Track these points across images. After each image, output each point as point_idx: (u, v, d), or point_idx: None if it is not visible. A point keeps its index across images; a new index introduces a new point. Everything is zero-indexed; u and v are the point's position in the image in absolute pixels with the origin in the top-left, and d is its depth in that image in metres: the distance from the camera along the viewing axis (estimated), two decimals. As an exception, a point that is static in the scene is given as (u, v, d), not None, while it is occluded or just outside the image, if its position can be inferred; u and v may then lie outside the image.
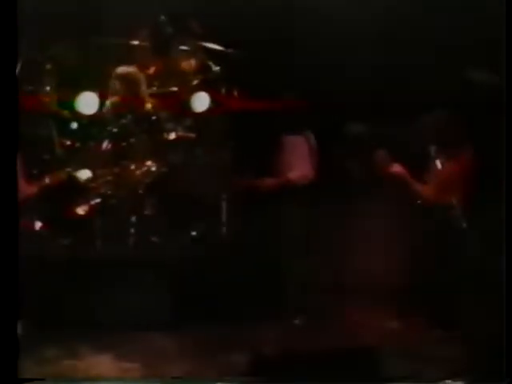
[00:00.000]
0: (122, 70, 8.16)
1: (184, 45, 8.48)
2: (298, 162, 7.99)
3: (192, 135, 8.45)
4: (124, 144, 8.16)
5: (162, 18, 8.36)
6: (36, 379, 5.86)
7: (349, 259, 8.49)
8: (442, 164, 7.17)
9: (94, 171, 8.05)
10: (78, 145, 8.22)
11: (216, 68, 8.39)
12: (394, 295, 7.97)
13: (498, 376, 5.90)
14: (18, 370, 5.59)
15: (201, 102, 8.35)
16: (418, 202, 7.40)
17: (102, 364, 6.96)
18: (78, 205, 7.99)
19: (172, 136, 8.35)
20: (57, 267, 7.73)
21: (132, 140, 8.18)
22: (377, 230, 8.24)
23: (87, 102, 8.09)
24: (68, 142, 8.23)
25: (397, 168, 7.39)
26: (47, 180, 7.38)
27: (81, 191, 8.02)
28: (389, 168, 7.43)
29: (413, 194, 7.41)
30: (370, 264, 8.27)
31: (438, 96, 7.83)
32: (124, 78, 8.16)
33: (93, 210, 7.99)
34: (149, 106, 8.31)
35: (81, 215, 8.01)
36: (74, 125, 8.23)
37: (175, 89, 8.49)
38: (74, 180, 7.97)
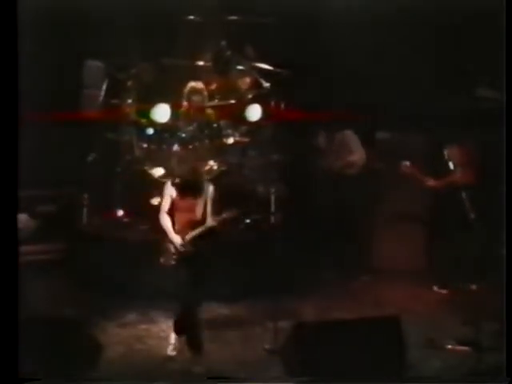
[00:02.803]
0: (190, 85, 8.13)
1: (240, 65, 8.62)
2: (356, 147, 8.71)
3: (246, 140, 8.49)
4: (190, 147, 8.06)
5: (223, 43, 8.49)
6: (35, 379, 5.42)
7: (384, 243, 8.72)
8: (455, 165, 7.29)
9: (166, 169, 8.00)
10: (153, 147, 8.22)
11: (266, 84, 8.44)
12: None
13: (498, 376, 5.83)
14: (17, 370, 5.23)
15: (254, 112, 8.38)
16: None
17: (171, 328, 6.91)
18: (153, 197, 7.89)
19: (230, 141, 8.35)
20: (135, 248, 7.81)
21: (197, 143, 8.11)
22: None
23: (161, 112, 8.10)
24: (145, 145, 8.24)
25: (407, 168, 8.05)
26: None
27: (155, 185, 7.91)
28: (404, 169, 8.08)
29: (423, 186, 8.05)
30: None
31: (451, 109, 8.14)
32: (192, 92, 8.10)
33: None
34: (211, 115, 8.29)
35: (155, 205, 7.70)
36: (150, 131, 8.24)
37: (233, 101, 8.55)
38: (149, 176, 8.10)
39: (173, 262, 6.41)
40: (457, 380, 6.04)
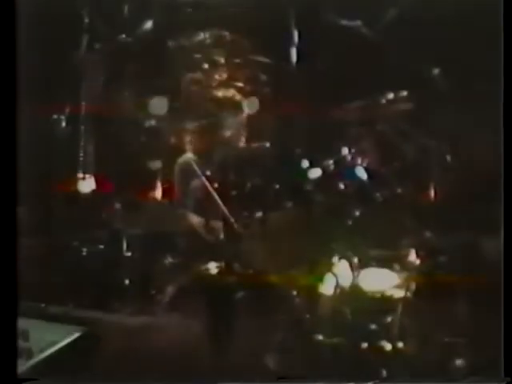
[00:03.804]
0: (190, 77, 8.11)
1: (238, 58, 8.43)
2: (370, 150, 8.33)
3: (243, 133, 8.36)
4: (189, 139, 8.02)
5: (222, 36, 8.28)
6: (34, 379, 5.47)
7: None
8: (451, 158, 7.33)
9: (163, 161, 7.98)
10: (151, 140, 8.08)
11: (264, 77, 8.33)
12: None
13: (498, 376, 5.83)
14: (16, 370, 5.28)
15: (252, 105, 8.31)
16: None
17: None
18: (152, 190, 7.89)
19: (227, 134, 8.27)
20: (135, 238, 7.83)
21: (195, 136, 8.06)
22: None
23: (159, 105, 8.06)
24: (143, 138, 8.09)
25: None
26: None
27: (153, 177, 7.99)
28: None
29: None
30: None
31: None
32: (192, 84, 8.08)
33: (163, 192, 7.90)
34: (210, 108, 8.20)
35: (154, 199, 7.89)
36: (148, 124, 8.13)
37: (230, 94, 8.41)
38: (148, 170, 8.01)
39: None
40: (454, 378, 6.02)
